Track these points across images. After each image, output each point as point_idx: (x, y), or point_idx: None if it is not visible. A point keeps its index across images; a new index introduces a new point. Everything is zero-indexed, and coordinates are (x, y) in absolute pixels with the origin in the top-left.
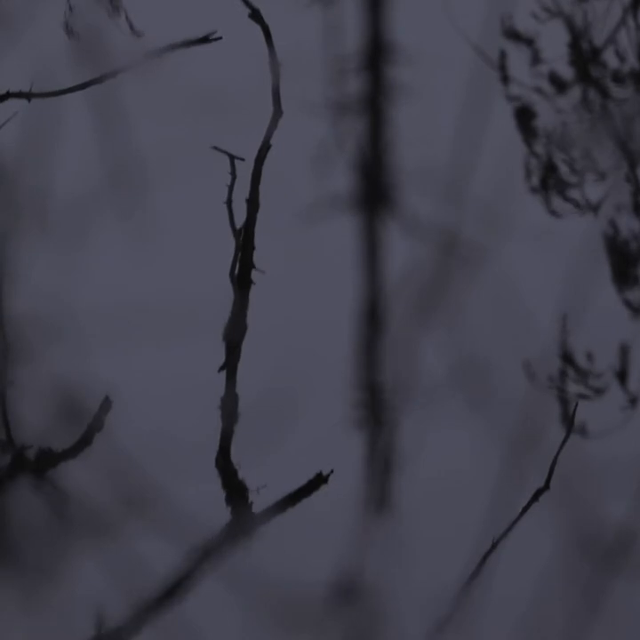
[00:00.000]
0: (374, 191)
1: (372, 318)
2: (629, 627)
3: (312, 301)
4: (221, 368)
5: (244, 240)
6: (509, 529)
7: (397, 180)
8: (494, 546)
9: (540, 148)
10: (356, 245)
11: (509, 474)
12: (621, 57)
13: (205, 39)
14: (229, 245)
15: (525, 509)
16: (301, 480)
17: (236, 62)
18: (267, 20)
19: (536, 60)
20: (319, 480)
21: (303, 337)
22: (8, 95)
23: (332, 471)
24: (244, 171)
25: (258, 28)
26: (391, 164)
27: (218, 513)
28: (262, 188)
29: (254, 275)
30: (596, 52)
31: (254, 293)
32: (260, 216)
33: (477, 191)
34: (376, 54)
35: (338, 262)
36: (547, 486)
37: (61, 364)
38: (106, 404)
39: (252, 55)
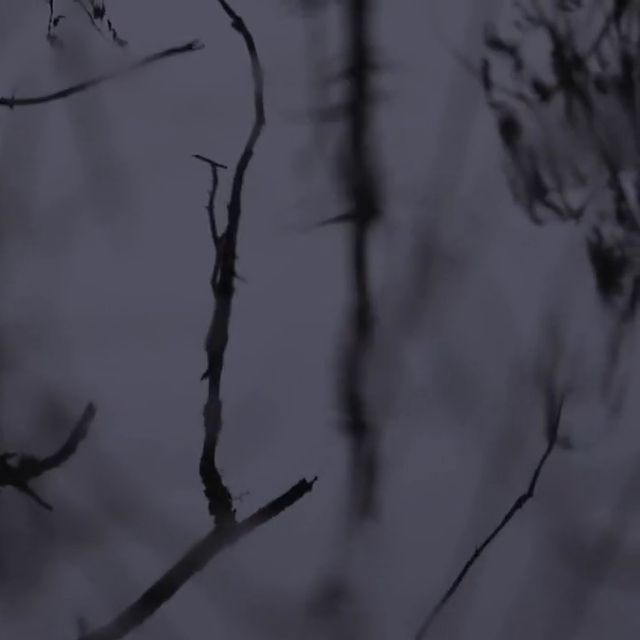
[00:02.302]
0: (359, 199)
1: (357, 324)
2: (612, 634)
3: (294, 308)
4: (204, 375)
5: (226, 247)
6: (493, 536)
7: (381, 187)
8: (477, 553)
9: (522, 155)
10: (339, 252)
11: (493, 480)
12: (604, 65)
13: (188, 47)
14: (211, 252)
15: (509, 516)
16: (285, 486)
17: (219, 70)
18: (250, 27)
19: (519, 67)
20: (303, 487)
21: (286, 344)
22: None
23: (316, 478)
24: (226, 178)
25: (241, 36)
26: (374, 171)
27: (201, 520)
28: (244, 195)
29: (236, 282)
30: (578, 60)
31: (236, 301)
32: (241, 223)
33: (461, 198)
34: (359, 62)
35: (320, 269)
36: (530, 493)
37: (44, 370)
38: (89, 412)
39: (235, 63)
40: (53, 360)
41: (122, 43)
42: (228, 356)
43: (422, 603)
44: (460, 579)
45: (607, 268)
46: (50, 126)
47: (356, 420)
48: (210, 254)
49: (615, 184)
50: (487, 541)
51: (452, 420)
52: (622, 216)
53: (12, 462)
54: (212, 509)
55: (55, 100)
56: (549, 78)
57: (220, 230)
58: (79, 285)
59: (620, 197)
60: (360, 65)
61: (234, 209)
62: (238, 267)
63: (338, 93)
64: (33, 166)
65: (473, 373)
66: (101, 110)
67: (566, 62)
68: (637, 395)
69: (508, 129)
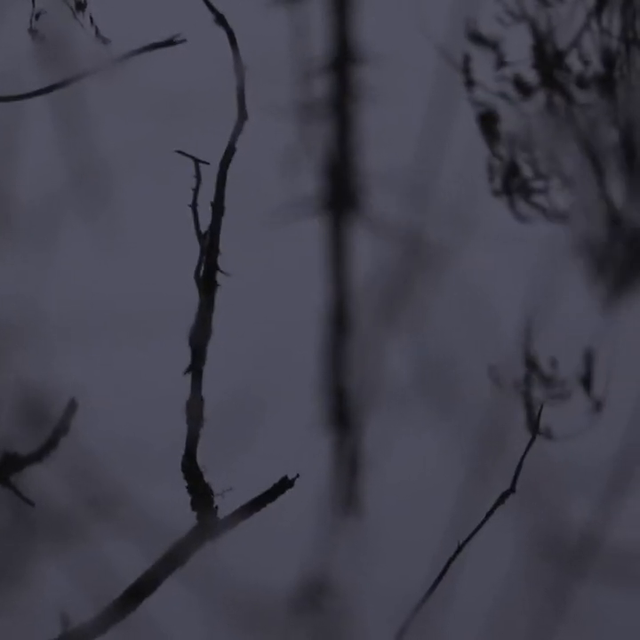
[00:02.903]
0: (341, 194)
1: (339, 321)
2: (593, 629)
3: (278, 304)
4: (187, 371)
5: (210, 243)
6: (475, 532)
7: (364, 182)
8: (459, 548)
9: (503, 151)
10: (322, 248)
11: (475, 477)
12: (585, 61)
13: (170, 42)
14: (194, 249)
15: (491, 512)
16: (268, 483)
17: (201, 66)
18: (232, 22)
19: (500, 63)
20: (285, 484)
21: (269, 339)
22: None
23: (297, 475)
24: (210, 174)
25: (223, 32)
26: (357, 166)
27: (183, 516)
28: (228, 191)
29: (220, 278)
30: (560, 56)
31: (220, 296)
32: (225, 219)
33: (442, 194)
34: (342, 57)
35: (304, 265)
36: (512, 489)
37: (27, 367)
38: (71, 408)
39: (217, 59)
40: (36, 356)
41: (104, 38)
42: (212, 351)
43: (404, 599)
44: (442, 575)
45: (589, 264)
46: (31, 122)
47: (339, 417)
48: (193, 250)
49: (598, 180)
50: (469, 537)
51: (434, 416)
52: (605, 212)
53: None
54: (194, 506)
55: (37, 96)
56: (530, 74)
57: (204, 226)
58: (62, 282)
59: (603, 193)
60: (343, 60)
61: (217, 205)
62: (222, 262)
63: (320, 88)
64: (15, 162)
65: (454, 369)
66: (83, 106)
67: (547, 57)
68: (620, 390)
69: (489, 125)
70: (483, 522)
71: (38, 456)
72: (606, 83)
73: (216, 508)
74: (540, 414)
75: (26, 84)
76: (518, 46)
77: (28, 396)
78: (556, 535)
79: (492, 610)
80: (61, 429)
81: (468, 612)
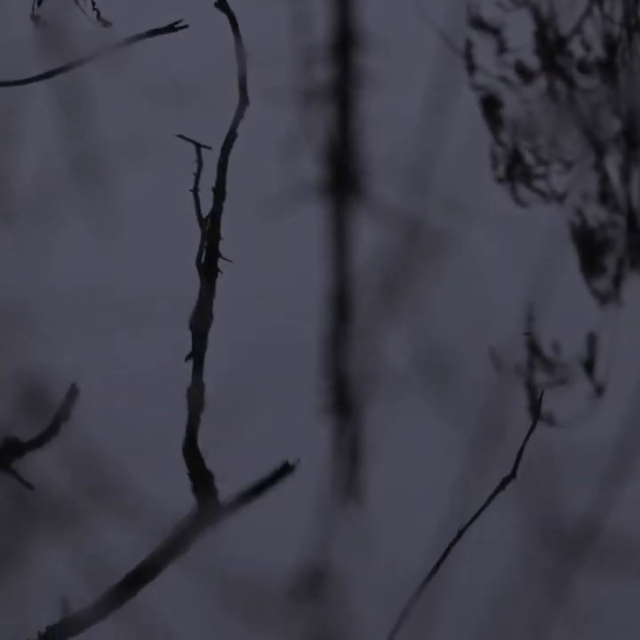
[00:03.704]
0: (342, 179)
1: (340, 306)
2: (592, 616)
3: (279, 290)
4: (188, 357)
5: (211, 229)
6: (475, 517)
7: (365, 168)
8: (460, 534)
9: (506, 136)
10: (323, 233)
11: (475, 462)
12: (587, 46)
13: (172, 28)
14: (196, 234)
15: (491, 498)
16: (269, 468)
17: (203, 51)
18: (233, 8)
19: (502, 49)
20: (286, 469)
21: (270, 326)
22: None
23: (298, 460)
24: (211, 159)
25: (225, 17)
26: (359, 152)
27: (184, 502)
28: (229, 176)
29: (221, 263)
30: (561, 42)
31: (221, 282)
32: (226, 204)
33: (444, 179)
34: (344, 43)
35: (306, 250)
36: (513, 475)
37: (26, 352)
38: (72, 393)
39: (219, 44)
40: (37, 343)
41: (105, 23)
42: (213, 337)
43: (404, 585)
44: (441, 561)
45: (590, 249)
46: (32, 108)
47: (340, 403)
48: (195, 236)
49: (599, 166)
50: (469, 523)
51: (434, 402)
52: (606, 198)
53: None
54: (194, 491)
55: (38, 81)
56: (532, 59)
57: (205, 212)
58: (62, 266)
59: (604, 179)
60: (344, 45)
61: (219, 190)
62: (223, 248)
63: (322, 74)
64: (15, 148)
65: (455, 355)
66: (84, 91)
67: (549, 43)
68: (621, 375)
69: (491, 110)
70: (483, 507)
71: (39, 442)
72: (608, 68)
73: (217, 493)
74: (541, 399)
75: (27, 70)
76: (520, 32)
77: (28, 383)
78: (556, 521)
79: (492, 596)
80: (62, 415)
81: (468, 599)
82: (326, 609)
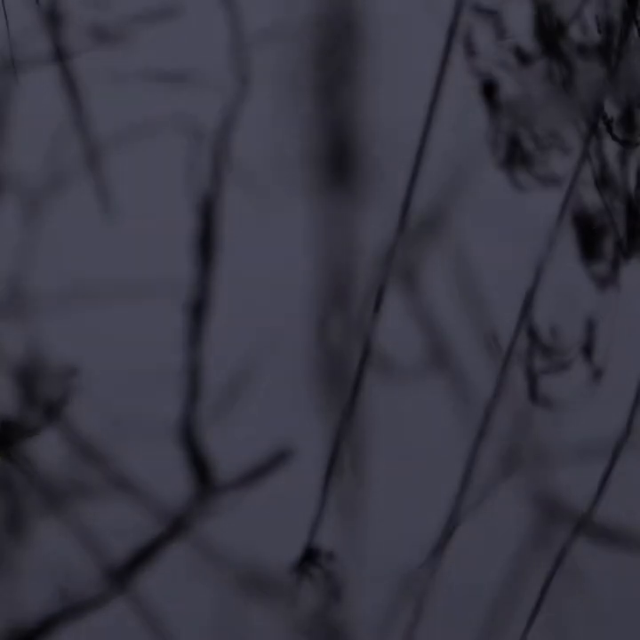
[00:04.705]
0: (338, 163)
1: (331, 289)
2: (596, 590)
3: (275, 273)
4: (184, 339)
5: (206, 209)
6: (478, 499)
7: (361, 153)
8: (462, 515)
9: (504, 121)
10: (318, 217)
11: (477, 446)
12: (586, 30)
13: (169, 11)
14: (191, 217)
15: (494, 480)
16: (267, 452)
17: (201, 35)
18: None
19: (501, 33)
20: (285, 451)
21: (266, 309)
22: None
23: (297, 443)
24: (208, 142)
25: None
26: (354, 133)
27: (181, 486)
28: (225, 158)
29: (217, 247)
30: (560, 26)
31: (216, 265)
32: (222, 187)
33: (440, 162)
34: (342, 23)
35: (300, 233)
36: (513, 458)
37: (22, 335)
38: (69, 376)
39: (217, 28)
40: (30, 327)
41: (101, 5)
42: (208, 322)
43: (408, 565)
44: (444, 542)
45: (589, 234)
46: (27, 89)
47: (338, 385)
48: (190, 219)
49: (597, 150)
50: (472, 504)
51: (434, 384)
52: (604, 182)
53: None
54: (192, 475)
55: (33, 64)
56: (531, 44)
57: (201, 195)
58: (58, 250)
59: (603, 164)
60: (342, 26)
61: (215, 173)
62: (219, 231)
63: (320, 56)
64: (9, 131)
65: (452, 341)
66: (81, 75)
67: (548, 28)
68: (619, 360)
69: (490, 94)
70: (486, 489)
71: (38, 425)
72: (606, 52)
73: (214, 478)
74: (540, 384)
75: (22, 52)
76: (519, 17)
77: (24, 366)
78: (556, 503)
79: (495, 576)
80: (60, 398)
81: (471, 579)
82: (328, 590)
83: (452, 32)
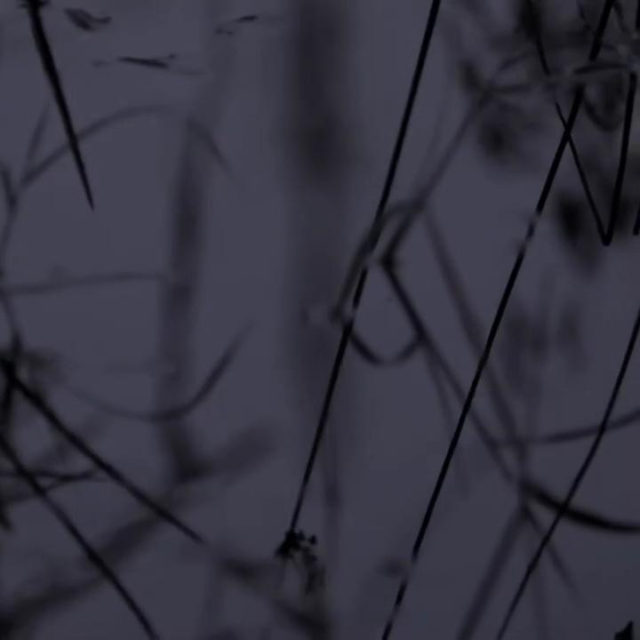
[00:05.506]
0: (322, 149)
1: (317, 272)
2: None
3: (257, 255)
4: (165, 324)
5: (188, 195)
6: (466, 481)
7: (344, 137)
8: (445, 500)
9: (486, 105)
10: (299, 200)
11: (459, 431)
12: (569, 13)
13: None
14: (173, 201)
15: (483, 463)
16: (249, 436)
17: (184, 22)
18: None
19: (482, 16)
20: (266, 436)
21: (248, 291)
22: None
23: (278, 428)
24: (192, 130)
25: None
26: (337, 123)
27: (163, 471)
28: (209, 144)
29: (201, 233)
30: (542, 9)
31: (199, 247)
32: (206, 173)
33: (423, 148)
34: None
35: (282, 216)
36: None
37: (2, 321)
38: (52, 361)
39: (202, 18)
40: (12, 312)
41: None
42: (190, 307)
43: (391, 549)
44: (424, 526)
45: (571, 217)
46: (11, 77)
47: (320, 369)
48: (172, 205)
49: (582, 132)
50: (460, 487)
51: (415, 369)
52: (589, 165)
53: None
54: (174, 461)
55: (17, 51)
56: (513, 28)
57: (182, 181)
58: (39, 235)
59: (588, 146)
60: (324, 13)
61: (196, 159)
62: (201, 217)
63: (302, 43)
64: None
65: (433, 322)
66: (63, 63)
67: (531, 12)
68: (605, 344)
69: (472, 79)
70: (475, 471)
71: (22, 411)
72: (588, 36)
73: (196, 462)
74: (521, 368)
75: (6, 37)
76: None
77: (7, 351)
78: (543, 486)
79: (483, 558)
80: (44, 380)
81: (454, 567)
82: (314, 577)
83: (433, 16)
